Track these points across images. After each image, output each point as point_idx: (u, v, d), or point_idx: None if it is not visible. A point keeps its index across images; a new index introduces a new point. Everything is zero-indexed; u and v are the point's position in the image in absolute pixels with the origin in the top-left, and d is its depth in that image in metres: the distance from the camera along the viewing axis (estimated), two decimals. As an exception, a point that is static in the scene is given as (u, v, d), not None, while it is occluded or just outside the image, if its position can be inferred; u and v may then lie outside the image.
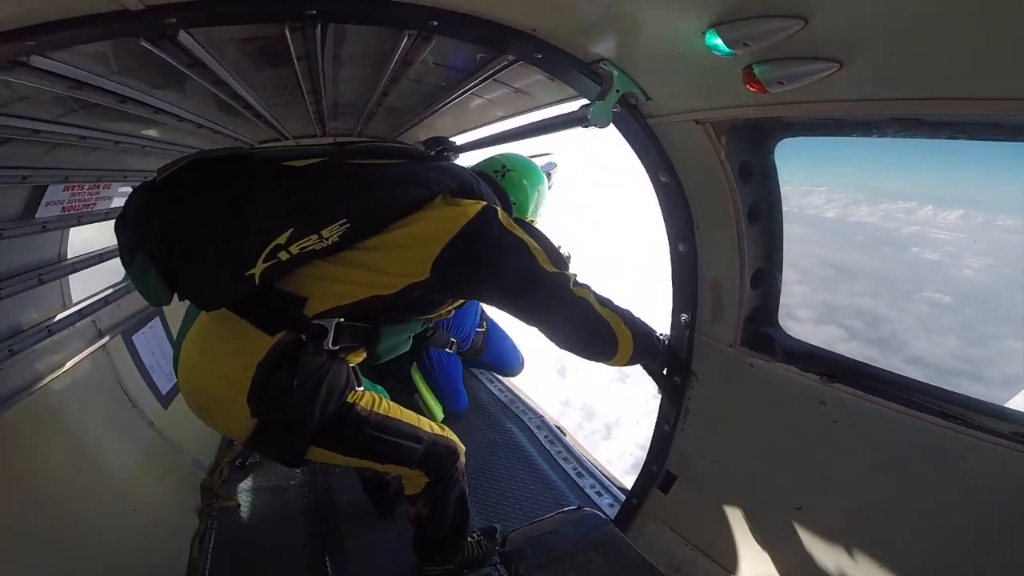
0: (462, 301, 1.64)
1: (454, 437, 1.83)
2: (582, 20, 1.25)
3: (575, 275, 1.45)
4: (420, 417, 1.73)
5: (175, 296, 1.27)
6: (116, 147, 2.25)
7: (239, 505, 2.70)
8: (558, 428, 3.38)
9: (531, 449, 3.12)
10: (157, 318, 3.26)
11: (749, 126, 1.35)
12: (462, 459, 1.81)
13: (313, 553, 2.32)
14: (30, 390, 2.05)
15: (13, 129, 1.61)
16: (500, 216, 1.36)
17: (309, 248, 1.21)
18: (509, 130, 2.37)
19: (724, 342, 1.67)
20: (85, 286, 2.66)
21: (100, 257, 2.75)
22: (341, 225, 1.22)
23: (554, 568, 1.90)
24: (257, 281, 1.20)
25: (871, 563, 1.28)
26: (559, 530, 2.10)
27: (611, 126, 1.49)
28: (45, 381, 2.15)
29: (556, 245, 1.47)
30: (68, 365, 2.32)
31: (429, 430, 1.72)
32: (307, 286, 1.29)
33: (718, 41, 0.99)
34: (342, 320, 1.34)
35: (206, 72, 1.67)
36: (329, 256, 1.26)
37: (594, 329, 1.46)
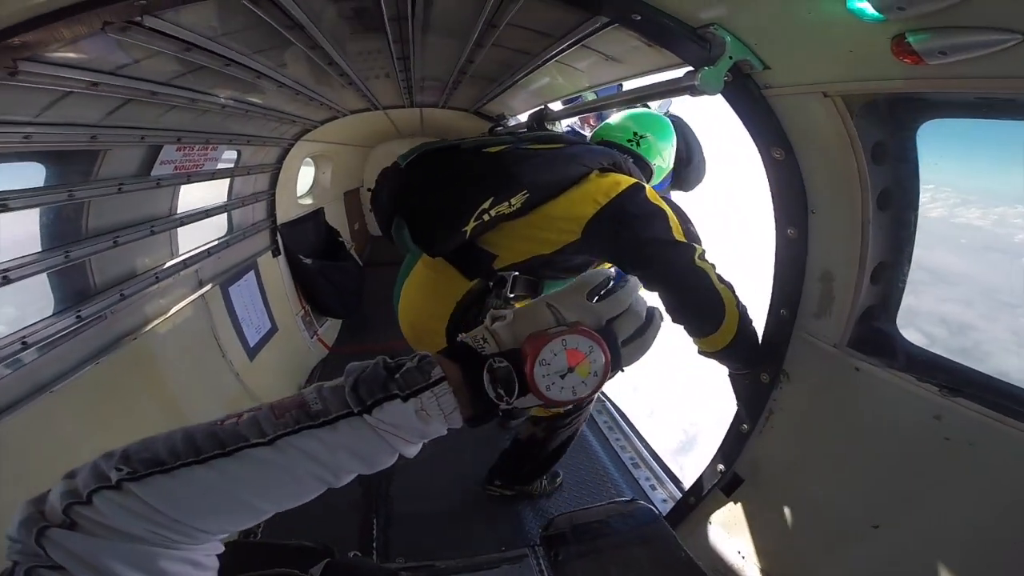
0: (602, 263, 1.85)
1: None
2: None
3: (704, 250, 1.56)
4: None
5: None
6: (222, 111, 2.37)
7: None
8: (619, 414, 3.30)
9: (589, 434, 3.04)
10: (252, 272, 3.46)
11: (891, 102, 1.15)
12: (590, 408, 2.23)
13: (363, 513, 2.39)
14: (134, 335, 2.20)
15: (133, 91, 1.72)
16: (647, 190, 1.59)
17: (502, 212, 1.57)
18: (605, 98, 2.23)
19: (828, 341, 1.49)
20: (191, 239, 2.85)
21: (206, 213, 2.94)
22: (523, 195, 1.56)
23: (595, 558, 1.78)
24: (468, 236, 1.57)
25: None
26: (608, 520, 1.97)
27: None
28: (149, 326, 2.31)
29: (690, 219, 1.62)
30: (171, 311, 2.49)
31: None
32: (496, 244, 1.67)
33: (863, 5, 0.82)
34: (517, 274, 1.66)
35: (303, 35, 1.69)
36: (513, 219, 1.61)
37: (706, 298, 1.53)
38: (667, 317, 1.55)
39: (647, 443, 3.00)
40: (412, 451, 0.64)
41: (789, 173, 1.38)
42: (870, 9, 0.83)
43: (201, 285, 2.85)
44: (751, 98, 1.31)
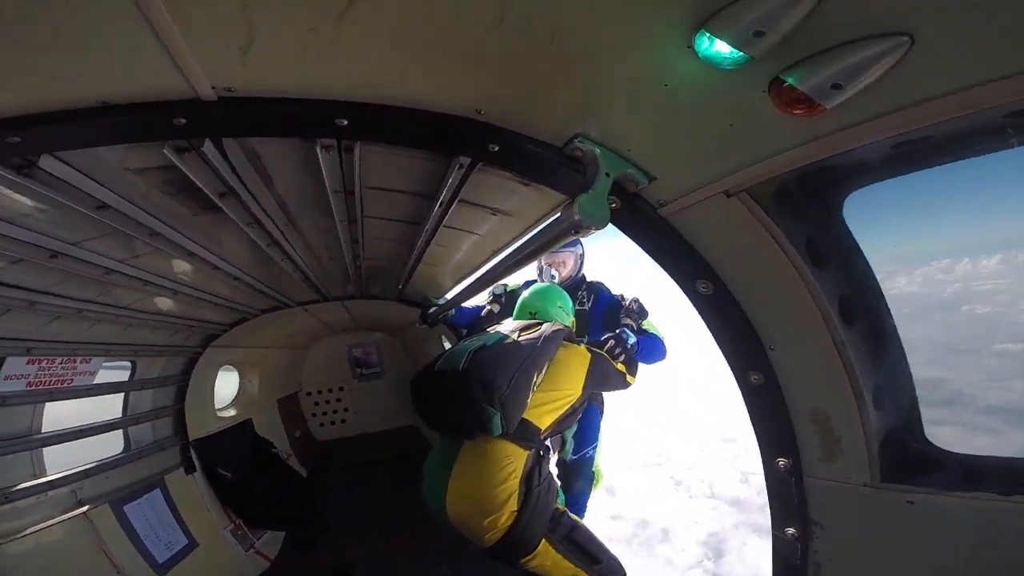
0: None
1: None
2: (531, 78, 0.88)
3: (625, 369, 2.44)
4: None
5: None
6: (80, 315, 2.03)
7: None
8: None
9: None
10: (158, 489, 3.12)
11: (802, 183, 0.93)
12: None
13: None
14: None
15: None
16: (600, 353, 2.36)
17: (538, 383, 2.06)
18: (499, 263, 2.01)
19: (855, 481, 1.15)
20: (68, 458, 2.62)
21: (80, 432, 2.59)
22: (541, 372, 2.08)
23: None
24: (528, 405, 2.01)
25: None
26: None
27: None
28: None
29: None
30: (28, 531, 2.16)
31: (608, 547, 2.24)
32: (535, 417, 2.07)
33: (719, 47, 0.63)
34: (551, 436, 2.19)
35: (146, 229, 1.44)
36: (540, 393, 2.08)
37: (627, 384, 2.49)
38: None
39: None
40: None
41: (725, 307, 1.11)
42: (726, 49, 0.63)
43: (81, 504, 2.52)
44: (648, 223, 1.08)
